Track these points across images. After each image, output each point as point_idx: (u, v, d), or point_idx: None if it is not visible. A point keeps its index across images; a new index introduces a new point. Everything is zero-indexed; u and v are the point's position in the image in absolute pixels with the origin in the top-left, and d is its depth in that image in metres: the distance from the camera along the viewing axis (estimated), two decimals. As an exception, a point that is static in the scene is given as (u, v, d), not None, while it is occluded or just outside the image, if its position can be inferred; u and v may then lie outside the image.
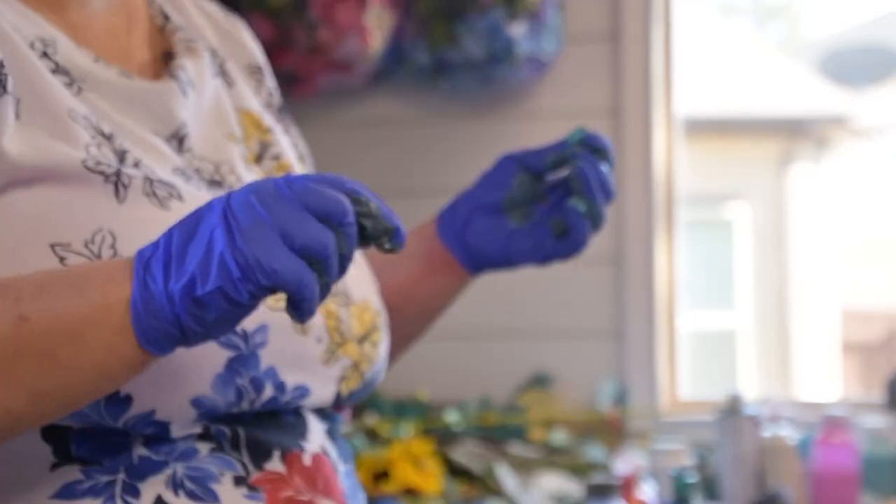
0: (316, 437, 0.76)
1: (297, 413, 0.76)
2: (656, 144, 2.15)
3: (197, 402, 0.69)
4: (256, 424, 0.73)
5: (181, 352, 0.68)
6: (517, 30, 2.03)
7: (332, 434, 0.78)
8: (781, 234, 6.53)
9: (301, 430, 0.75)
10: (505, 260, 0.89)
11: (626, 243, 2.14)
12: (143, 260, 0.61)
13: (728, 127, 6.36)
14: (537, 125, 2.17)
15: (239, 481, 0.71)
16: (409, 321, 0.92)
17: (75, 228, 0.68)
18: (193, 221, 0.61)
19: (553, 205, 0.88)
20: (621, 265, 2.15)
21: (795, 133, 6.52)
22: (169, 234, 0.61)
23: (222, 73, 0.85)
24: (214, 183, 0.78)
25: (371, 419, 1.94)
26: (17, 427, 0.63)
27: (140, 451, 0.69)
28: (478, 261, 0.90)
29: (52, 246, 0.67)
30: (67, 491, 0.68)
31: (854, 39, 6.63)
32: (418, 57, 2.10)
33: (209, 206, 0.61)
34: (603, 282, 2.15)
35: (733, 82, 6.64)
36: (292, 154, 0.87)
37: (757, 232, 6.53)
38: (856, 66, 6.39)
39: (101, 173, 0.70)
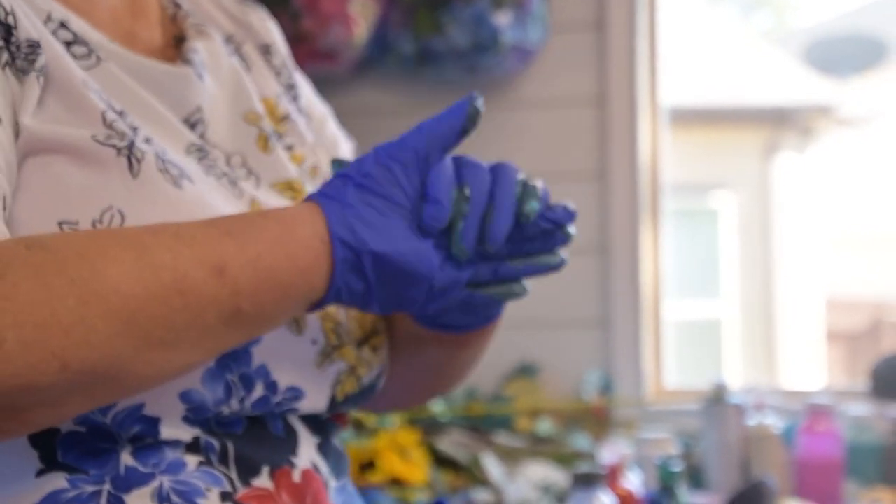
0: (307, 452, 0.75)
1: (288, 427, 0.75)
2: (642, 134, 2.15)
3: (186, 397, 0.69)
4: (246, 439, 0.72)
5: None
6: (502, 18, 2.02)
7: (324, 449, 0.77)
8: (766, 223, 6.55)
9: (291, 446, 0.74)
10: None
11: (611, 233, 2.15)
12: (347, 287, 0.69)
13: (713, 116, 6.37)
14: (523, 114, 2.17)
15: (225, 497, 0.70)
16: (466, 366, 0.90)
17: (85, 206, 0.67)
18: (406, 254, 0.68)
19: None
20: (607, 255, 2.15)
21: (781, 122, 6.53)
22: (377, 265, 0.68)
23: (239, 56, 0.85)
24: (223, 174, 0.77)
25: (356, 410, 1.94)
26: None
27: (127, 460, 0.69)
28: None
29: (60, 223, 0.67)
30: (52, 499, 0.67)
31: (839, 29, 6.64)
32: (403, 46, 2.09)
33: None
34: (589, 271, 2.15)
35: (719, 71, 6.65)
36: (307, 140, 0.86)
37: (742, 221, 6.54)
38: (841, 55, 6.40)
39: (113, 146, 0.69)
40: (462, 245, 0.70)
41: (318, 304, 0.69)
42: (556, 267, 0.74)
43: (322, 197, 0.69)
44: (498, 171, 0.71)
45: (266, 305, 0.66)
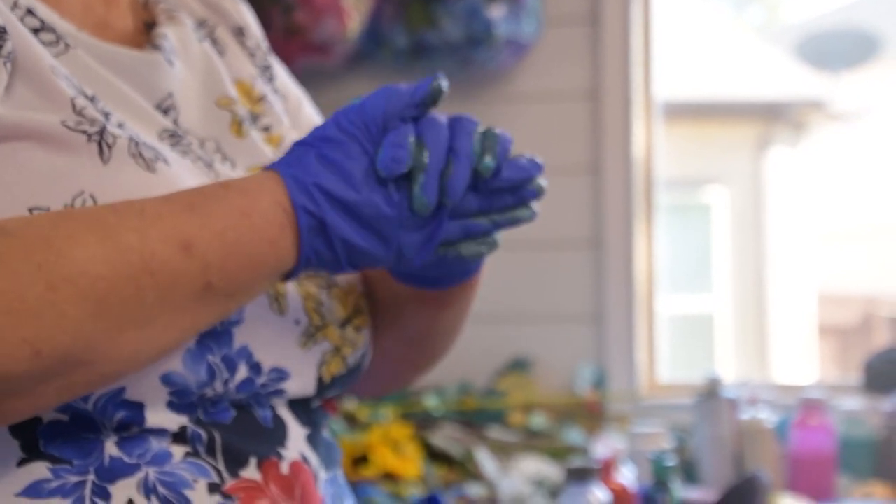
0: (295, 443, 0.75)
1: (277, 417, 0.74)
2: (635, 128, 2.15)
3: (167, 379, 0.68)
4: (234, 429, 0.72)
5: None
6: (496, 12, 2.02)
7: (313, 440, 0.77)
8: (759, 217, 6.56)
9: (280, 437, 0.74)
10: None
11: (605, 227, 2.14)
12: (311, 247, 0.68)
13: (706, 111, 6.37)
14: (517, 108, 2.17)
15: (213, 488, 0.69)
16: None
17: (56, 192, 0.67)
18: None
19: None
20: (600, 249, 2.15)
21: (773, 117, 6.54)
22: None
23: (212, 41, 0.85)
24: (198, 158, 0.77)
25: (350, 404, 1.93)
26: None
27: (112, 450, 0.68)
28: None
29: (31, 210, 0.66)
30: (35, 489, 0.66)
31: (831, 23, 6.65)
32: (396, 39, 2.09)
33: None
34: (582, 266, 2.15)
35: (712, 66, 6.66)
36: (284, 121, 0.86)
37: (735, 216, 6.55)
38: (833, 50, 6.41)
39: (84, 132, 0.69)
40: (423, 198, 0.68)
41: (290, 274, 0.69)
42: (526, 219, 0.73)
43: (282, 165, 0.69)
44: (455, 125, 0.70)
45: (236, 278, 0.66)
